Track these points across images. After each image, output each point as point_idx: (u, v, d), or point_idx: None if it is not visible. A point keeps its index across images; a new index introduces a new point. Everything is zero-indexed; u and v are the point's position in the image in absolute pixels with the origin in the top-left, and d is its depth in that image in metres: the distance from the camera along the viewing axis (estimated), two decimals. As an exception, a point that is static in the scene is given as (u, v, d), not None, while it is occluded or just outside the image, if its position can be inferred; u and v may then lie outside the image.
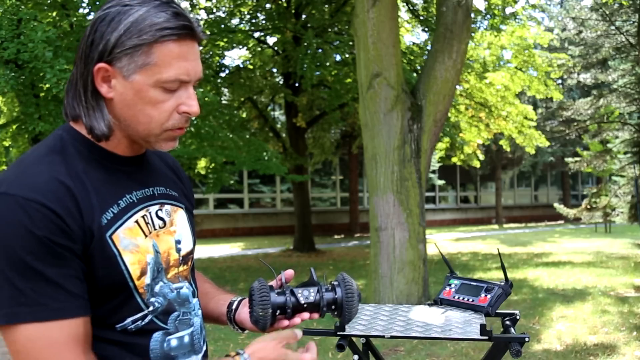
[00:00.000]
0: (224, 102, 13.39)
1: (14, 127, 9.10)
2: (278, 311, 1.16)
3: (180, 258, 1.17)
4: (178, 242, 1.17)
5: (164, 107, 1.05)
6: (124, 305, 1.05)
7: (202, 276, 1.38)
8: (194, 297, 1.20)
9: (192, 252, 1.22)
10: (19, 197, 0.95)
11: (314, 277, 1.24)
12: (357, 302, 1.19)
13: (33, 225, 0.94)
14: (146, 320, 1.08)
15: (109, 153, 1.09)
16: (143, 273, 1.07)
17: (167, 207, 1.17)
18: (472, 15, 8.54)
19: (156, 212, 1.14)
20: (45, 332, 0.94)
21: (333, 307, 1.19)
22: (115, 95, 1.05)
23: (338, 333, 1.67)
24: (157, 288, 1.10)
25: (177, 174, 1.29)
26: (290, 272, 1.25)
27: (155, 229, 1.12)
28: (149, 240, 1.09)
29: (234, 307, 1.31)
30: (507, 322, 1.74)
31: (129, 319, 1.06)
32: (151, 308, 1.09)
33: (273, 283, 1.24)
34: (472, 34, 11.47)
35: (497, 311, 1.79)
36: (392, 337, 1.64)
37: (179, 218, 1.19)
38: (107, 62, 1.02)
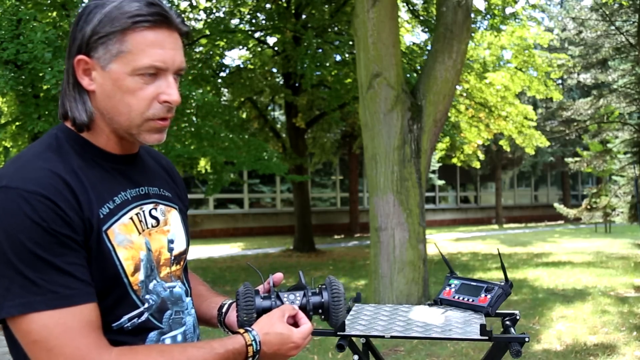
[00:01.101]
0: (224, 102, 13.38)
1: (14, 127, 9.10)
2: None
3: (172, 258, 1.18)
4: (171, 241, 1.18)
5: (142, 95, 1.06)
6: (120, 302, 1.06)
7: (197, 278, 1.39)
8: (187, 296, 1.20)
9: (185, 252, 1.23)
10: (21, 189, 0.97)
11: (302, 280, 1.24)
12: (344, 306, 1.19)
13: (37, 216, 0.96)
14: (142, 318, 1.09)
15: (102, 151, 1.11)
16: (137, 269, 1.08)
17: (161, 206, 1.18)
18: (472, 15, 8.54)
19: (150, 211, 1.15)
20: (60, 319, 0.95)
21: (320, 310, 1.19)
22: (96, 87, 1.07)
23: (338, 333, 1.67)
24: (151, 286, 1.11)
25: (171, 176, 1.30)
26: (278, 276, 1.26)
27: (147, 227, 1.13)
28: (142, 237, 1.10)
29: (224, 310, 1.31)
30: (507, 322, 1.74)
31: (125, 317, 1.07)
32: (146, 305, 1.09)
33: (261, 287, 1.25)
34: (472, 34, 11.47)
35: (497, 311, 1.79)
36: (392, 337, 1.64)
37: (173, 218, 1.20)
38: (85, 54, 1.05)
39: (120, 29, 1.03)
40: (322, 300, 1.19)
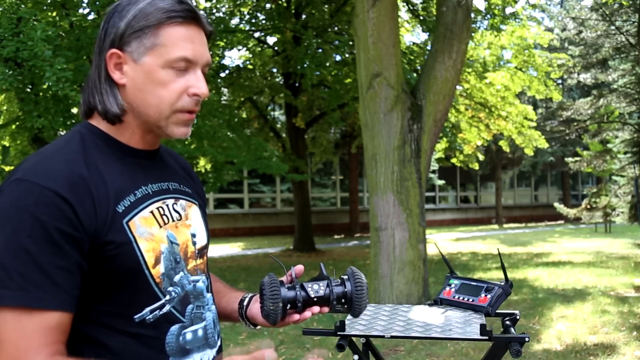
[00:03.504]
0: (224, 102, 13.38)
1: (14, 126, 9.10)
2: (289, 305, 1.18)
3: (197, 251, 1.20)
4: (193, 235, 1.20)
5: (173, 87, 1.10)
6: (141, 294, 1.07)
7: (213, 276, 1.40)
8: (208, 291, 1.22)
9: (206, 246, 1.26)
10: (32, 182, 0.99)
11: (324, 271, 1.26)
12: (366, 296, 1.21)
13: (37, 210, 0.97)
14: (164, 310, 1.09)
15: (124, 146, 1.13)
16: (157, 262, 1.09)
17: (181, 201, 1.20)
18: (472, 15, 8.54)
19: (172, 205, 1.17)
20: (18, 316, 0.95)
21: (343, 300, 1.21)
22: (127, 80, 1.10)
23: (338, 333, 1.67)
24: (177, 278, 1.12)
25: (189, 174, 1.33)
26: (300, 268, 1.27)
27: (173, 221, 1.15)
28: (163, 230, 1.12)
29: (245, 303, 1.33)
30: (507, 322, 1.74)
31: (147, 309, 1.07)
32: (168, 297, 1.10)
33: (283, 279, 1.26)
34: (472, 34, 11.46)
35: (497, 311, 1.79)
36: (392, 337, 1.64)
37: (193, 213, 1.23)
38: (118, 48, 1.09)
39: (154, 23, 1.08)
40: (346, 290, 1.20)
